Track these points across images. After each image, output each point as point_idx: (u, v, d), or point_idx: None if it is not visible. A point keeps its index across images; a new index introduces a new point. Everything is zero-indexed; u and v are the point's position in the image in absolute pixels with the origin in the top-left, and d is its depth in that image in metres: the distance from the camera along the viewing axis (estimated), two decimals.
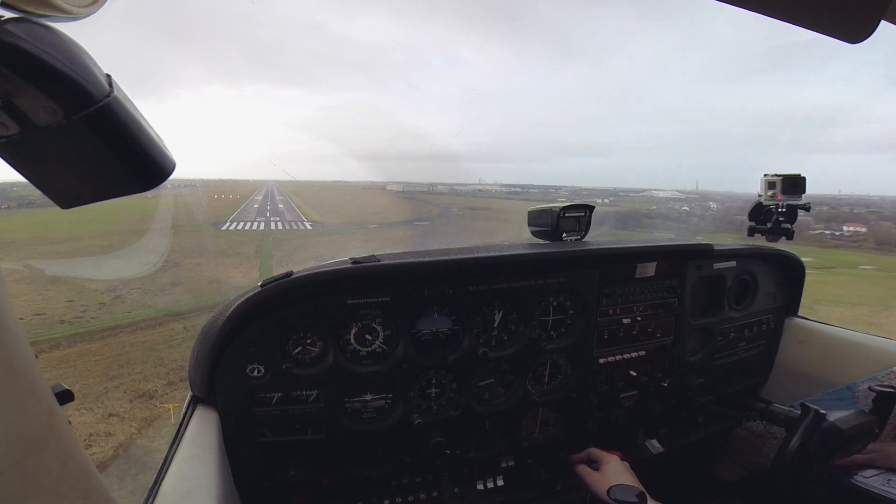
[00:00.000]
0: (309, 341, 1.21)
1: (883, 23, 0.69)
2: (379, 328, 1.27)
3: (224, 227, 22.77)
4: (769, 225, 1.90)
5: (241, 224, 24.03)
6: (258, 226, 24.12)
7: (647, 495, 1.08)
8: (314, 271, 1.18)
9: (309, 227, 24.23)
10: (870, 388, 1.39)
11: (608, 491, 1.07)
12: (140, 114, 0.46)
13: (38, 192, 0.44)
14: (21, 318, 0.38)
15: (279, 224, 24.93)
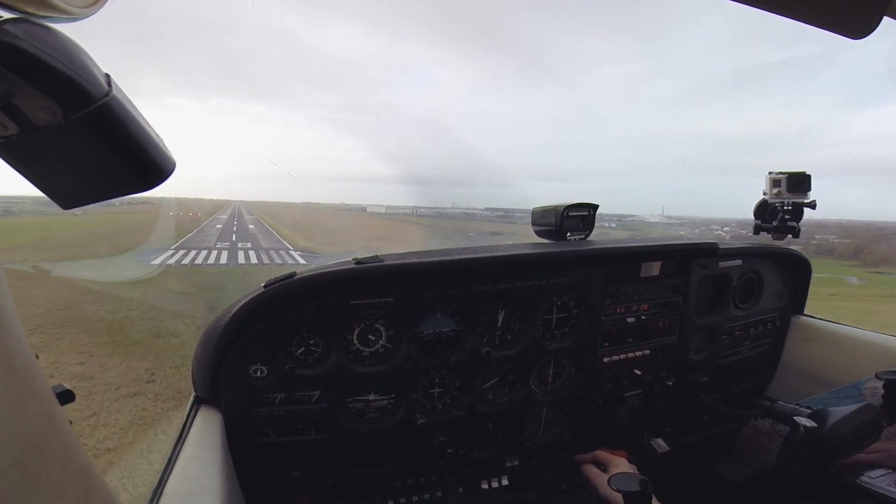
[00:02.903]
0: (312, 342, 1.21)
1: (886, 19, 0.68)
2: (382, 328, 1.27)
3: (157, 260, 13.70)
4: (775, 223, 1.89)
5: (193, 253, 15.28)
6: (219, 256, 15.28)
7: (649, 483, 1.06)
8: (317, 272, 1.18)
9: (299, 259, 16.02)
10: (877, 376, 1.37)
11: (609, 481, 1.05)
12: (139, 113, 0.46)
13: None
14: None
15: (251, 254, 16.05)
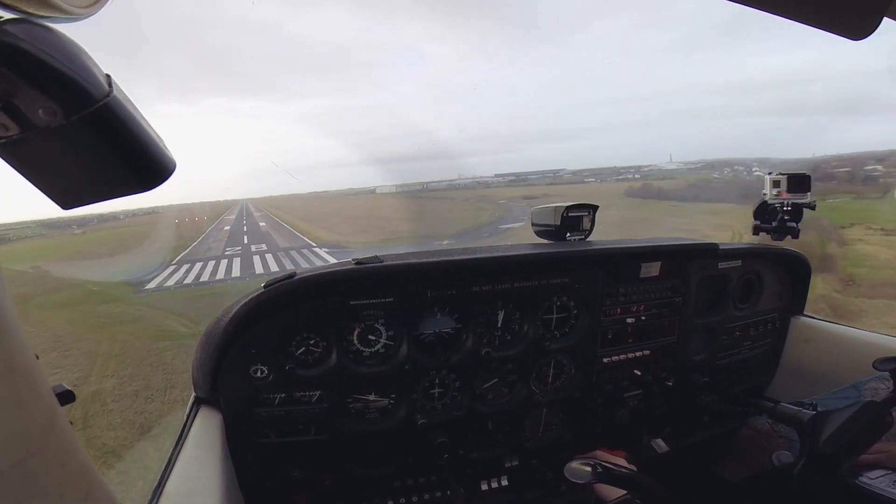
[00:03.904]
0: (312, 342, 1.21)
1: (886, 20, 0.68)
2: (382, 329, 1.27)
3: (154, 283, 10.94)
4: (774, 224, 1.89)
5: (198, 267, 12.34)
6: (230, 266, 12.28)
7: (607, 466, 0.96)
8: (317, 272, 1.18)
9: (328, 257, 13.26)
10: (875, 367, 1.33)
11: (564, 471, 0.98)
12: (140, 114, 0.46)
13: None
14: None
15: (268, 258, 12.94)
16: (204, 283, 10.95)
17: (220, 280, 11.07)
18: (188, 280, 11.35)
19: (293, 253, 13.91)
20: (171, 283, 11.16)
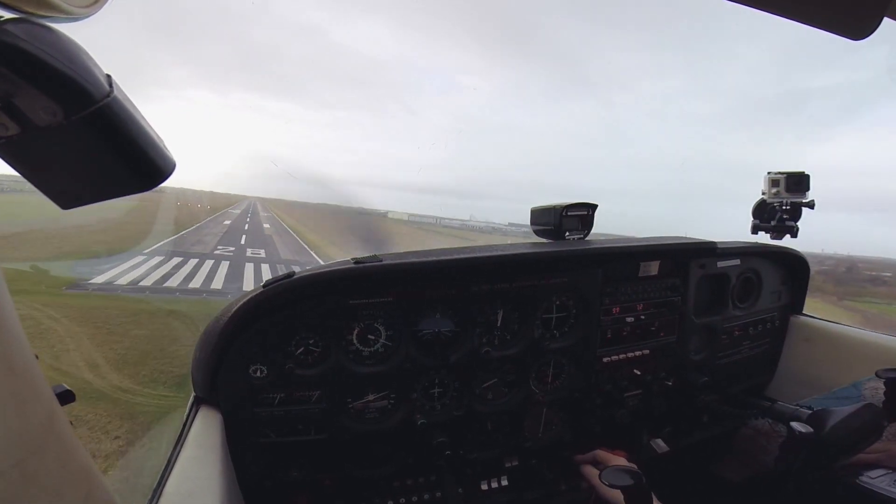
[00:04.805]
0: (311, 342, 1.21)
1: (886, 20, 0.68)
2: (381, 328, 1.27)
3: (103, 276, 7.60)
4: (773, 223, 1.89)
5: (173, 263, 9.51)
6: (215, 271, 9.44)
7: (643, 476, 1.02)
8: (316, 271, 1.18)
9: None
10: (877, 374, 1.35)
11: (600, 476, 1.03)
12: (140, 114, 0.46)
13: None
14: None
15: (264, 269, 10.34)
16: (169, 289, 7.90)
17: (192, 290, 7.98)
18: (149, 281, 8.21)
19: (295, 268, 12.50)
20: (126, 280, 8.02)
